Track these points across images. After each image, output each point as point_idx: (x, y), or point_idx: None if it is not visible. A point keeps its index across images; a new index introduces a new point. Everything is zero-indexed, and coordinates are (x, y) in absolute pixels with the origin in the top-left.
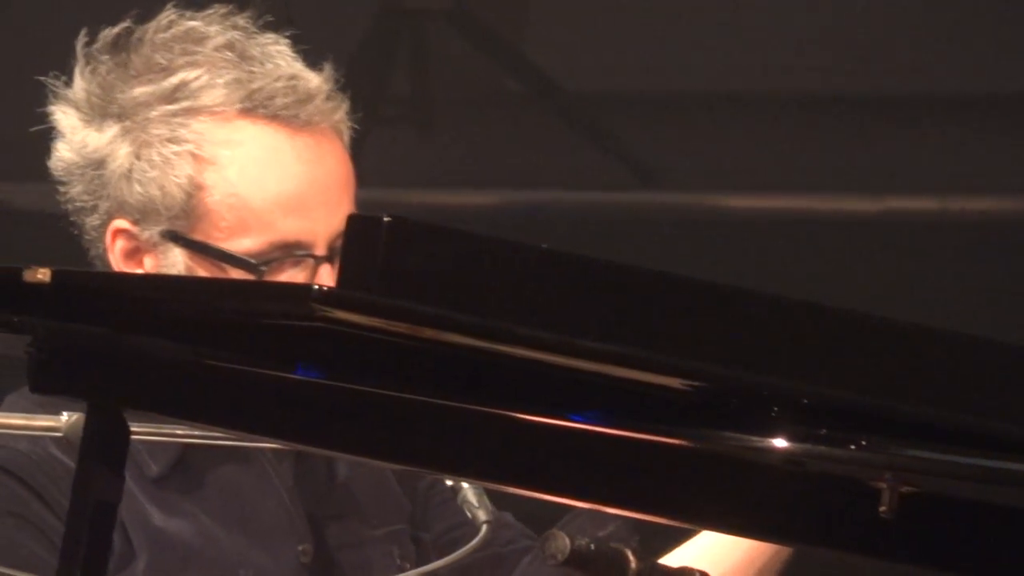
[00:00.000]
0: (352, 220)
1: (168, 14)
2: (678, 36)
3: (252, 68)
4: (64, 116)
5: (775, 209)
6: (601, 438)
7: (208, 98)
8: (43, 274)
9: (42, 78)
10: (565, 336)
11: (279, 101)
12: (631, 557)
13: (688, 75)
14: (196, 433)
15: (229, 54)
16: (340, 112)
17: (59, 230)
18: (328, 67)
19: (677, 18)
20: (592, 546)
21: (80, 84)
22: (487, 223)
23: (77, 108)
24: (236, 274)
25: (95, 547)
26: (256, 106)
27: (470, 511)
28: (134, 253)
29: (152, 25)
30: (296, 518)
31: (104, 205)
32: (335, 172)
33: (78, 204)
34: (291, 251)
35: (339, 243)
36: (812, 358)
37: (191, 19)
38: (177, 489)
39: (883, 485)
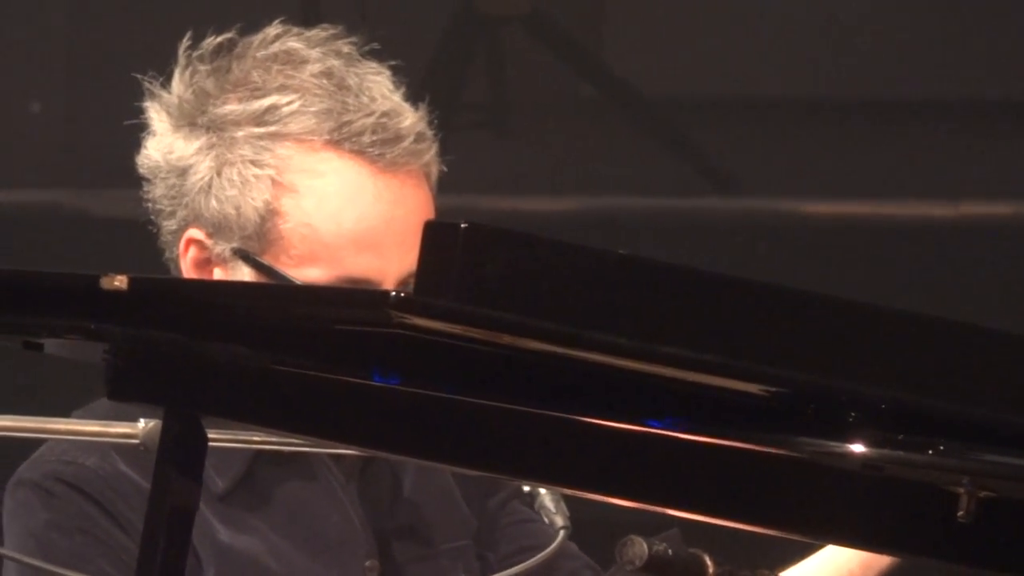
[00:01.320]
0: (429, 226)
1: (274, 29)
2: (756, 40)
3: (347, 99)
4: (156, 117)
5: (852, 215)
6: (679, 444)
7: (297, 125)
8: (120, 281)
9: (139, 76)
10: (643, 342)
11: (367, 138)
12: (708, 563)
13: (765, 80)
14: (272, 440)
15: (326, 82)
16: (430, 154)
17: (137, 237)
18: (423, 107)
19: (754, 22)
20: (670, 551)
21: (177, 88)
22: (564, 229)
23: (169, 112)
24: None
25: (172, 554)
26: (344, 139)
27: (547, 516)
28: (205, 264)
29: (256, 39)
30: (362, 534)
31: (182, 213)
32: (415, 214)
33: (158, 207)
34: (356, 287)
35: (410, 282)
36: (891, 363)
37: (295, 36)
38: (243, 505)
39: (961, 490)
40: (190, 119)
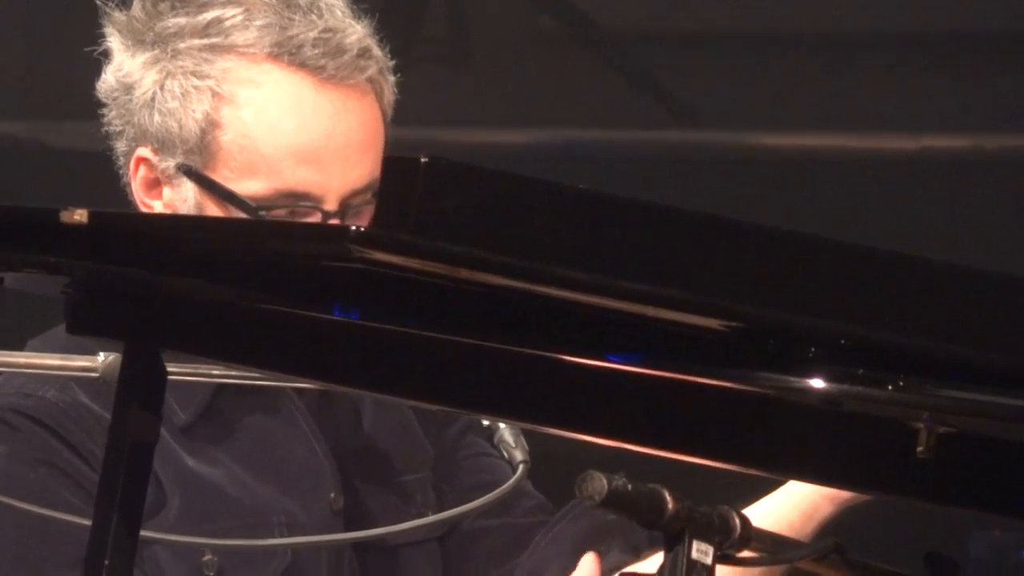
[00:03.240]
0: (389, 161)
1: None
2: None
3: (293, 16)
4: (111, 39)
5: (809, 148)
6: (638, 379)
7: (239, 37)
8: (80, 215)
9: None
10: (601, 276)
11: (309, 51)
12: (668, 498)
13: (723, 14)
14: (232, 374)
15: (274, 0)
16: (375, 70)
17: (97, 170)
18: (367, 23)
19: None
20: (629, 487)
21: (133, 9)
22: (522, 161)
23: (120, 32)
24: (238, 215)
25: (132, 488)
26: (285, 52)
27: (506, 451)
28: (154, 184)
29: None
30: (326, 466)
31: (130, 132)
32: (358, 130)
33: (112, 129)
34: (297, 201)
35: (353, 200)
36: (849, 298)
37: None
38: (206, 437)
39: (920, 425)
40: (139, 36)
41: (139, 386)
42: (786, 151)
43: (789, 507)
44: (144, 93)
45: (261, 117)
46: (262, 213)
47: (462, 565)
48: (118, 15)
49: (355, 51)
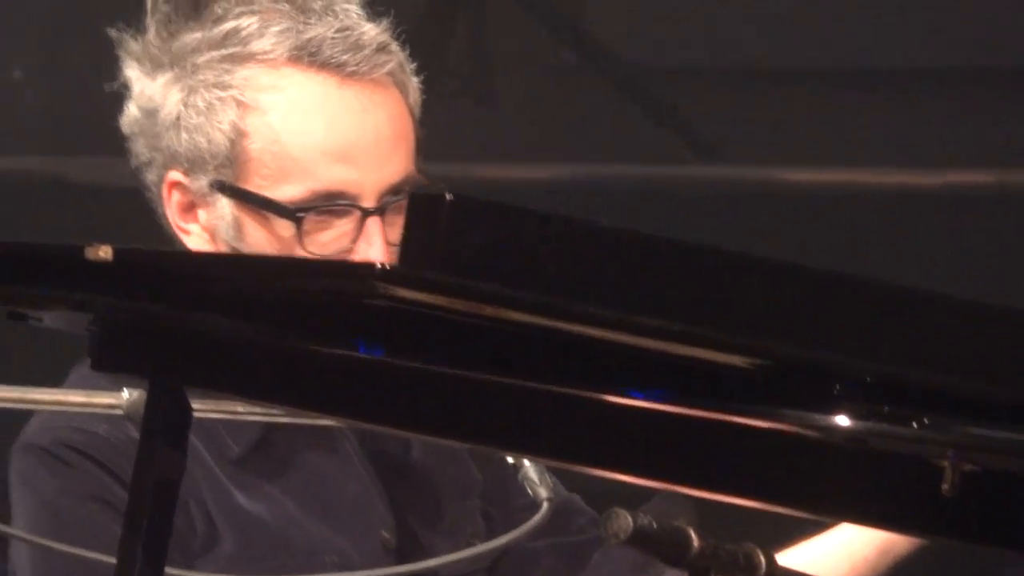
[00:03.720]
0: (414, 198)
1: None
2: (737, 9)
3: (308, 19)
4: (128, 70)
5: (831, 183)
6: (663, 416)
7: (257, 45)
8: (105, 252)
9: (111, 30)
10: (626, 313)
11: (327, 50)
12: (693, 536)
13: (744, 49)
14: (256, 411)
15: (287, 6)
16: (394, 63)
17: (119, 205)
18: (386, 22)
19: None
20: (654, 524)
21: (148, 34)
22: (545, 197)
23: (138, 60)
24: (277, 222)
25: (157, 524)
26: (305, 54)
27: (531, 488)
28: (189, 208)
29: None
30: (379, 504)
31: (159, 158)
32: (387, 123)
33: (140, 160)
34: (334, 200)
35: (391, 197)
36: (874, 335)
37: None
38: (258, 472)
39: (945, 463)
40: (157, 60)
41: (164, 423)
42: (806, 186)
43: (864, 542)
44: (169, 114)
45: (288, 121)
46: (300, 215)
47: None
48: (132, 44)
49: (374, 46)
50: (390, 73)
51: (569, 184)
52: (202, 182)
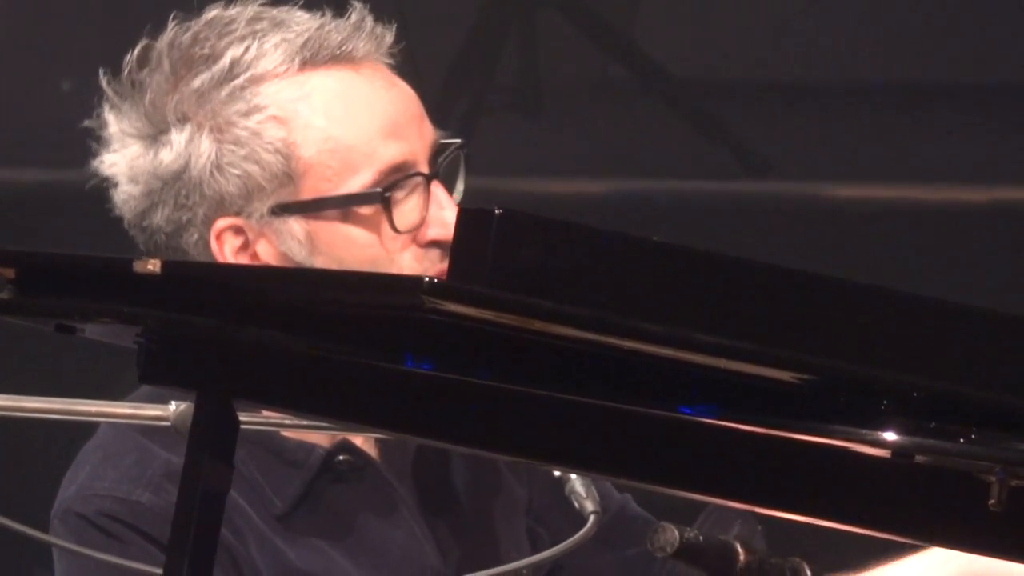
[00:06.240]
0: (463, 213)
1: (174, 23)
2: (788, 25)
3: (290, 27)
4: (119, 154)
5: (883, 199)
6: (711, 430)
7: (266, 63)
8: (153, 265)
9: (87, 123)
10: (675, 329)
11: (332, 45)
12: (740, 550)
13: (795, 64)
14: (303, 423)
15: (263, 24)
16: (389, 38)
17: None
18: (359, 3)
19: (787, 6)
20: (701, 538)
21: (131, 114)
22: (594, 212)
23: (137, 136)
24: (361, 216)
25: (204, 537)
26: (312, 55)
27: (578, 501)
28: (245, 247)
29: (171, 33)
30: (427, 548)
31: (201, 211)
32: (406, 91)
33: (168, 230)
34: (402, 173)
35: (437, 159)
36: (923, 351)
37: (202, 15)
38: (304, 526)
39: (993, 479)
40: (159, 125)
41: (211, 435)
42: (858, 202)
43: (961, 565)
44: (204, 162)
45: (331, 117)
46: (387, 195)
47: None
48: (120, 126)
49: (369, 26)
50: (388, 49)
51: (618, 199)
52: (260, 212)
